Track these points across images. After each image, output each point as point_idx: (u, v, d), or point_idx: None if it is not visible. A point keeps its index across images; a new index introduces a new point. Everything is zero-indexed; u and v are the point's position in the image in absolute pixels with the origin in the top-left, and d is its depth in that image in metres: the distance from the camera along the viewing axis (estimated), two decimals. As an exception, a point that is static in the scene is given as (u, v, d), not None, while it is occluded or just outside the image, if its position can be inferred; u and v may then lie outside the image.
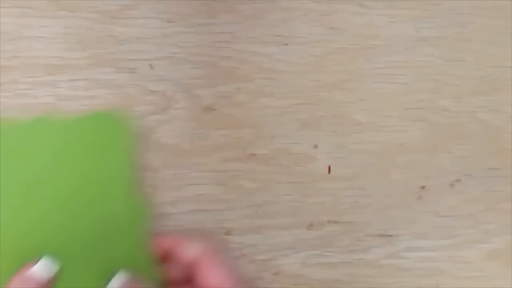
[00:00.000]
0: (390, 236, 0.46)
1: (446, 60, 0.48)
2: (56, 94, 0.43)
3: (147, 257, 0.40)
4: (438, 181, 0.47)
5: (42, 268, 0.36)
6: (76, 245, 0.39)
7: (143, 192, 0.41)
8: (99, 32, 0.43)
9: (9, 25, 0.43)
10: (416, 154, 0.47)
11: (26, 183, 0.39)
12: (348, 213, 0.45)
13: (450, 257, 0.46)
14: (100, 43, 0.43)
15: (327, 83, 0.46)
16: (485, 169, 0.47)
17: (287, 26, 0.46)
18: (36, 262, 0.36)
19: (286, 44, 0.46)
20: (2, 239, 0.38)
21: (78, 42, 0.43)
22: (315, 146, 0.46)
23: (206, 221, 0.43)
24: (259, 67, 0.45)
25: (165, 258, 0.39)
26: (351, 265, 0.45)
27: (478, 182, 0.47)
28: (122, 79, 0.43)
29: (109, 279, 0.37)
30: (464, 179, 0.47)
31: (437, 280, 0.46)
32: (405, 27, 0.47)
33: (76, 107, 0.43)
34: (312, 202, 0.45)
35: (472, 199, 0.47)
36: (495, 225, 0.47)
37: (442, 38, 0.48)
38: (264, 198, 0.44)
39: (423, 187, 0.46)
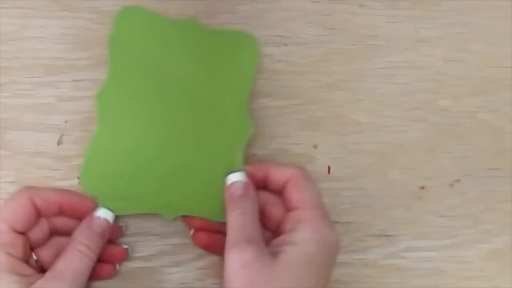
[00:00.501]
0: (390, 236, 0.46)
1: (446, 60, 0.48)
2: (57, 94, 0.43)
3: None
4: (437, 181, 0.47)
5: (103, 215, 0.40)
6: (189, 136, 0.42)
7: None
8: (99, 32, 0.43)
9: (9, 26, 0.43)
10: (416, 154, 0.47)
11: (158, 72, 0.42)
12: (348, 213, 0.45)
13: (450, 257, 0.46)
14: (100, 44, 0.43)
15: (327, 83, 0.46)
16: (485, 169, 0.47)
17: (287, 26, 0.46)
18: (97, 211, 0.40)
19: (286, 44, 0.46)
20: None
21: (79, 43, 0.44)
22: (315, 146, 0.46)
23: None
24: (259, 67, 0.45)
25: (260, 184, 0.41)
26: (351, 265, 0.45)
27: (478, 182, 0.47)
28: (122, 80, 0.43)
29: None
30: (464, 179, 0.47)
31: (437, 280, 0.46)
32: (405, 27, 0.47)
33: (77, 108, 0.43)
34: (312, 202, 0.45)
35: (472, 199, 0.47)
36: (495, 225, 0.47)
37: (442, 38, 0.48)
38: (264, 198, 0.44)
39: (422, 187, 0.46)
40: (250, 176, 0.41)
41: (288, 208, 0.40)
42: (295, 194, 0.39)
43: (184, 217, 0.42)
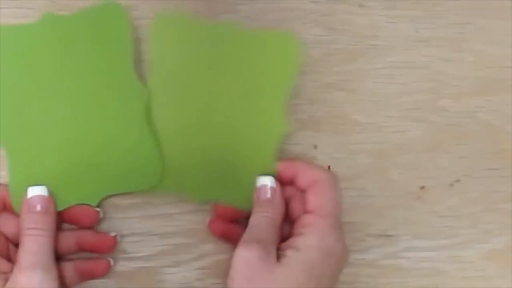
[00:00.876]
0: (390, 236, 0.46)
1: (446, 60, 0.48)
2: (56, 94, 0.43)
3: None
4: (437, 181, 0.47)
5: (33, 193, 0.39)
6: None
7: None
8: (99, 32, 0.43)
9: (9, 26, 0.43)
10: (416, 154, 0.47)
11: (44, 82, 0.41)
12: (348, 213, 0.45)
13: (450, 257, 0.46)
14: (100, 44, 0.43)
15: (327, 83, 0.46)
16: (485, 169, 0.47)
17: (287, 26, 0.46)
18: (26, 193, 0.39)
19: (286, 44, 0.46)
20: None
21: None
22: (315, 146, 0.46)
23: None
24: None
25: (288, 182, 0.41)
26: (351, 265, 0.45)
27: (478, 182, 0.47)
28: (122, 80, 0.43)
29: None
30: (464, 179, 0.47)
31: (437, 280, 0.46)
32: (405, 27, 0.47)
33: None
34: (312, 202, 0.45)
35: (472, 199, 0.47)
36: (495, 225, 0.47)
37: (442, 38, 0.48)
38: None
39: (422, 187, 0.46)
40: (280, 173, 0.41)
41: (305, 211, 0.40)
42: (312, 198, 0.40)
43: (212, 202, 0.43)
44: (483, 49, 0.48)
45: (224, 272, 0.38)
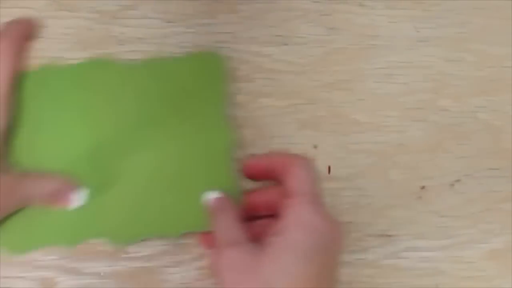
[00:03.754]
0: (390, 236, 0.46)
1: (446, 60, 0.48)
2: (56, 94, 0.43)
3: (233, 182, 0.42)
4: (438, 181, 0.47)
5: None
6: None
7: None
8: (99, 32, 0.43)
9: (9, 25, 0.43)
10: (416, 154, 0.47)
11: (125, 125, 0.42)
12: (348, 213, 0.45)
13: (450, 257, 0.46)
14: (100, 43, 0.43)
15: (327, 83, 0.46)
16: (485, 169, 0.47)
17: (287, 26, 0.46)
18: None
19: (286, 44, 0.46)
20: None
21: (78, 42, 0.43)
22: (315, 146, 0.46)
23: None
24: (259, 67, 0.45)
25: (264, 174, 0.42)
26: (351, 265, 0.45)
27: (478, 182, 0.47)
28: (122, 79, 0.43)
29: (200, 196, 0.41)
30: (464, 179, 0.47)
31: (437, 280, 0.46)
32: (405, 27, 0.47)
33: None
34: (312, 202, 0.45)
35: (472, 199, 0.47)
36: (495, 225, 0.47)
37: (442, 38, 0.48)
38: (264, 198, 0.44)
39: (423, 187, 0.46)
40: (253, 167, 0.42)
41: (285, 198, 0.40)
42: (288, 183, 0.40)
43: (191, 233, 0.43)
44: (483, 49, 0.48)
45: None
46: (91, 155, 0.41)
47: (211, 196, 0.41)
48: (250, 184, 0.43)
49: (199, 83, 0.43)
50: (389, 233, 0.46)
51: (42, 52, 0.43)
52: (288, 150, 0.45)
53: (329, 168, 0.45)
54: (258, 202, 0.42)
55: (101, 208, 0.41)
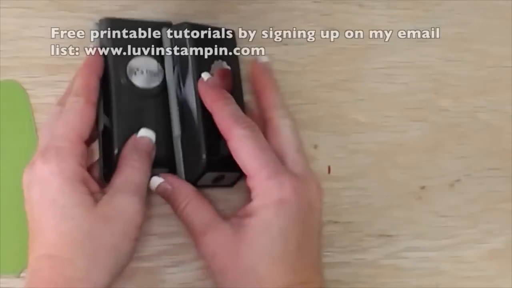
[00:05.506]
0: (390, 236, 0.46)
1: (446, 60, 0.48)
2: (57, 94, 0.43)
3: None
4: (438, 181, 0.47)
5: (145, 134, 0.39)
6: None
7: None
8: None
9: (9, 25, 0.43)
10: (416, 154, 0.47)
11: None
12: (348, 213, 0.45)
13: (450, 257, 0.46)
14: (100, 43, 0.43)
15: (327, 83, 0.46)
16: (485, 169, 0.47)
17: (287, 26, 0.46)
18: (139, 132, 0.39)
19: (286, 44, 0.46)
20: None
21: (78, 43, 0.43)
22: (315, 146, 0.46)
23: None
24: (259, 67, 0.45)
25: None
26: (351, 265, 0.45)
27: (478, 182, 0.47)
28: (122, 79, 0.43)
29: None
30: (464, 179, 0.47)
31: (437, 280, 0.46)
32: (405, 27, 0.47)
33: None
34: (312, 202, 0.45)
35: (472, 199, 0.47)
36: (495, 225, 0.47)
37: (442, 38, 0.48)
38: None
39: (423, 187, 0.46)
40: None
41: None
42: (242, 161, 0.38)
43: None
44: (483, 49, 0.48)
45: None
46: None
47: (155, 183, 0.40)
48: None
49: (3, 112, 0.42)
50: (389, 233, 0.46)
51: (42, 52, 0.43)
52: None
53: (329, 168, 0.45)
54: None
55: None
